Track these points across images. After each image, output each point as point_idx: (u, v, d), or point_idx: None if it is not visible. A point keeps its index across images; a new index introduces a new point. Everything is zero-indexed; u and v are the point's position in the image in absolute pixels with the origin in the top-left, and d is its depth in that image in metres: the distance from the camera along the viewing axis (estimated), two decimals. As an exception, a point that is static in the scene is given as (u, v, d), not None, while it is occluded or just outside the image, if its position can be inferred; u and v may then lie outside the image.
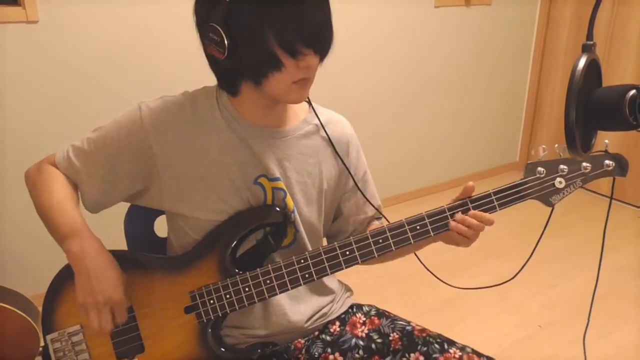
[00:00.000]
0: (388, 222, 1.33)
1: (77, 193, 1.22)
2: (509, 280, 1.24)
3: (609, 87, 1.13)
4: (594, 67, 1.13)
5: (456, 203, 1.15)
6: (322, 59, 1.09)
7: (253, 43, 1.02)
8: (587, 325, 1.39)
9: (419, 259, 1.29)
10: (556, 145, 1.15)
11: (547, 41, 4.07)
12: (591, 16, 1.10)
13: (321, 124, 1.24)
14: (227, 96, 1.17)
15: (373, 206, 1.35)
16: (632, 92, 1.07)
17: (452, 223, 1.13)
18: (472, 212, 1.13)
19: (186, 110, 1.18)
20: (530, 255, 1.20)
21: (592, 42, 1.11)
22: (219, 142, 1.17)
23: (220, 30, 1.01)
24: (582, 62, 1.09)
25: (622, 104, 1.07)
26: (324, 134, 1.26)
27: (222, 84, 1.16)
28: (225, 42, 1.01)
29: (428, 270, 1.29)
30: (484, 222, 1.13)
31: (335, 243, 1.16)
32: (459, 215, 1.13)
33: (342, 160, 1.27)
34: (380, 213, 1.37)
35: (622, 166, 1.14)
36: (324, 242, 1.36)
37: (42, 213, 1.18)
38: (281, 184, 1.21)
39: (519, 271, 1.22)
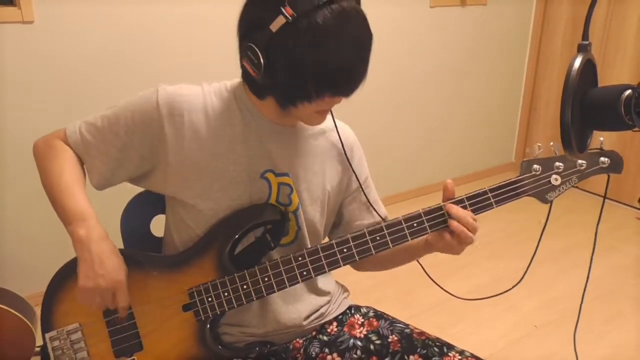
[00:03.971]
0: None
1: (84, 171, 1.22)
2: (504, 292, 1.26)
3: (604, 87, 1.13)
4: (589, 67, 1.14)
5: (453, 200, 1.16)
6: None
7: (291, 76, 1.04)
8: (577, 324, 1.40)
9: (422, 266, 1.30)
10: (552, 143, 1.16)
11: (542, 41, 4.09)
12: (587, 16, 1.10)
13: (335, 125, 1.27)
14: (245, 91, 1.19)
15: (377, 213, 1.35)
16: (628, 92, 1.07)
17: (454, 223, 1.13)
18: (469, 210, 1.15)
19: (202, 99, 1.19)
20: (530, 262, 1.21)
21: (587, 42, 1.11)
22: (232, 133, 1.18)
23: (259, 54, 1.02)
24: (578, 62, 1.10)
25: (618, 104, 1.07)
26: (330, 137, 1.29)
27: (251, 89, 1.16)
28: (262, 66, 1.03)
29: (436, 283, 1.30)
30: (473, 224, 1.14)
31: (333, 240, 1.16)
32: (461, 212, 1.13)
33: (349, 162, 1.29)
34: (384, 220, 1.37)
35: (617, 163, 1.15)
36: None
37: (49, 191, 1.18)
38: (288, 180, 1.22)
39: (519, 282, 1.23)
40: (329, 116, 1.29)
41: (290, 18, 0.97)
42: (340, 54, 1.01)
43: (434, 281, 1.29)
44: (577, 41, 1.11)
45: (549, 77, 4.11)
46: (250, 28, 1.05)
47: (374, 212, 1.35)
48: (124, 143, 1.18)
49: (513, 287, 1.24)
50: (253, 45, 1.02)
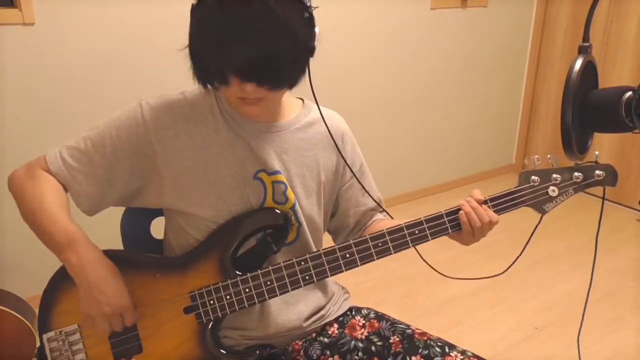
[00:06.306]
0: (390, 216, 1.36)
1: (68, 198, 1.19)
2: (499, 274, 1.26)
3: (605, 89, 1.14)
4: (590, 68, 1.14)
5: (454, 208, 1.18)
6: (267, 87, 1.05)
7: (196, 55, 1.06)
8: (581, 327, 1.41)
9: (421, 256, 1.30)
10: (549, 155, 1.18)
11: (543, 42, 4.09)
12: (587, 17, 1.10)
13: (321, 115, 1.24)
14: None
15: (373, 198, 1.35)
16: (628, 93, 1.08)
17: (463, 212, 1.16)
18: (483, 206, 1.17)
19: (186, 108, 1.19)
20: (520, 253, 1.23)
21: (588, 44, 1.11)
22: (217, 139, 1.18)
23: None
24: (578, 63, 1.10)
25: (618, 106, 1.08)
26: (320, 128, 1.27)
27: None
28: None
29: (430, 266, 1.30)
30: (490, 217, 1.17)
31: (335, 245, 1.17)
32: (473, 203, 1.16)
33: (339, 150, 1.28)
34: (380, 206, 1.37)
35: (612, 176, 1.18)
36: (325, 238, 1.37)
37: (30, 219, 1.14)
38: (281, 177, 1.22)
39: (510, 266, 1.25)
40: (321, 106, 1.28)
41: None
42: (221, 37, 0.99)
43: (423, 260, 1.29)
44: (577, 43, 1.12)
45: (550, 78, 4.10)
46: None
47: (370, 197, 1.36)
48: (111, 163, 1.17)
49: (499, 274, 1.26)
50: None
